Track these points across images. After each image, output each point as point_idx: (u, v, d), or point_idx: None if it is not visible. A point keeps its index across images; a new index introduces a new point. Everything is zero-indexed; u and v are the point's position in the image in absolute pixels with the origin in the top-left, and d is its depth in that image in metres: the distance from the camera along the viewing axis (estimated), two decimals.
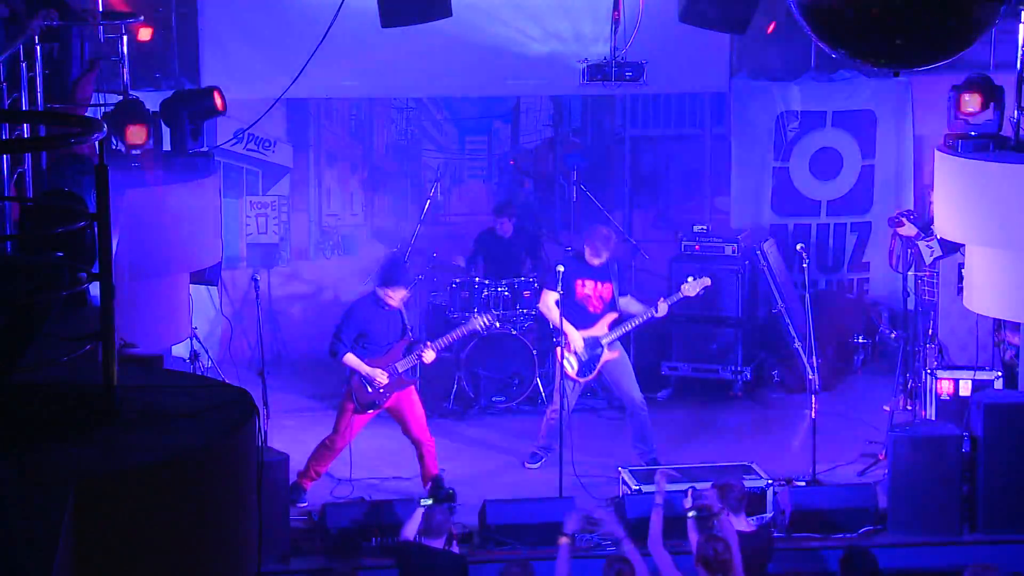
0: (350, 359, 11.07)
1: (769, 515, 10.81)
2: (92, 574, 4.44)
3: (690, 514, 9.55)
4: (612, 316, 11.85)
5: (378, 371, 11.08)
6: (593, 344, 11.79)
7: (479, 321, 11.79)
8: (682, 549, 9.42)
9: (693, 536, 9.36)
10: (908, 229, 12.30)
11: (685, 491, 9.90)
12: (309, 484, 11.19)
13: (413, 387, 11.32)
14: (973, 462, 10.83)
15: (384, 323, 11.18)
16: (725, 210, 15.01)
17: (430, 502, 9.96)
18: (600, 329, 11.82)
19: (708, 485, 9.90)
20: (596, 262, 11.76)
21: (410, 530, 9.79)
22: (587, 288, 11.84)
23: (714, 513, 9.60)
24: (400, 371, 11.16)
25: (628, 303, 11.94)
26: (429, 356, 11.26)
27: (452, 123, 15.06)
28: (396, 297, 11.12)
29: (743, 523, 9.66)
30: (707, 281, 11.94)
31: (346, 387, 11.25)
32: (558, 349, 11.69)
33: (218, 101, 11.06)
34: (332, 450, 11.18)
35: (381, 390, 11.10)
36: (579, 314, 11.79)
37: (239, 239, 14.44)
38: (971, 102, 11.03)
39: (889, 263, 12.80)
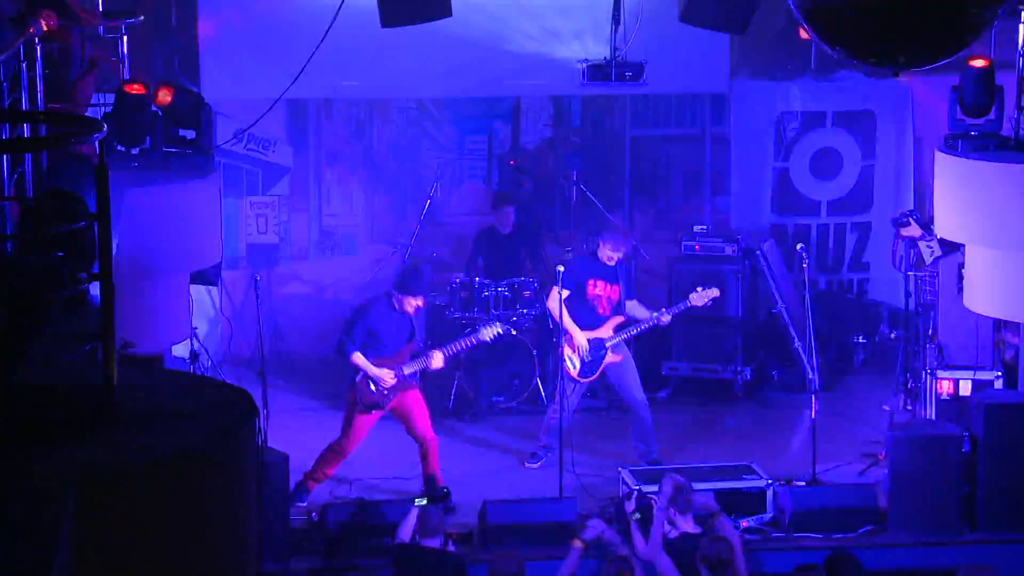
0: (358, 358, 11.06)
1: (769, 515, 10.82)
2: (92, 574, 4.44)
3: (634, 517, 9.68)
4: (618, 319, 11.84)
5: (385, 371, 11.06)
6: (597, 346, 11.78)
7: (489, 332, 11.70)
8: None
9: (637, 538, 9.51)
10: (913, 230, 12.30)
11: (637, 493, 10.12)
12: (314, 486, 11.15)
13: (417, 388, 11.31)
14: (973, 462, 10.82)
15: (395, 326, 11.14)
16: (725, 210, 15.01)
17: (424, 502, 9.94)
18: (606, 331, 11.81)
19: (655, 488, 10.06)
20: (612, 260, 11.73)
21: (406, 531, 9.78)
22: (598, 288, 11.82)
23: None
24: (406, 374, 11.16)
25: (634, 307, 11.92)
26: (438, 361, 11.26)
27: (452, 123, 15.05)
28: (411, 304, 11.12)
29: (690, 524, 9.74)
30: (715, 292, 11.91)
31: (350, 388, 11.23)
32: (564, 348, 11.68)
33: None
34: (341, 453, 11.14)
35: (386, 391, 11.09)
36: (587, 315, 11.78)
37: (239, 239, 14.44)
38: (977, 60, 10.99)
39: (892, 263, 12.79)
